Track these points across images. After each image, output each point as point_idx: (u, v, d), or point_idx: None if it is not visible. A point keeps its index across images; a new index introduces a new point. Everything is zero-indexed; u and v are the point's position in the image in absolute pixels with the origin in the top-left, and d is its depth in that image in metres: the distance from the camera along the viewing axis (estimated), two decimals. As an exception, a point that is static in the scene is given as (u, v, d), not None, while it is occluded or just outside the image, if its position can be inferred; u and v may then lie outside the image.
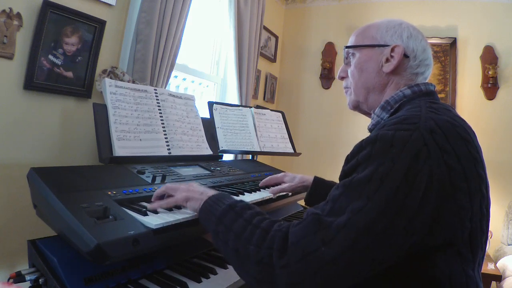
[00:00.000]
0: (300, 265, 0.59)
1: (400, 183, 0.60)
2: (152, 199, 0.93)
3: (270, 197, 1.27)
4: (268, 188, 1.36)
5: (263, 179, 1.42)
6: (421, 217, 0.60)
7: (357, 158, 0.67)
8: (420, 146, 0.62)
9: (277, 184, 1.37)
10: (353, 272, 0.59)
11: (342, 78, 0.96)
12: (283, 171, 1.76)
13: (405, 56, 0.84)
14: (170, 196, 0.91)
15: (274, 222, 0.69)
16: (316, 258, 0.58)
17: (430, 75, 0.89)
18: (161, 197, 0.93)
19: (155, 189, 1.02)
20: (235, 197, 0.83)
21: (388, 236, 0.59)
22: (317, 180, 1.27)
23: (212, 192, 0.85)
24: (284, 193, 1.35)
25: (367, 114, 0.94)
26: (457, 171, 0.63)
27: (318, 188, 1.25)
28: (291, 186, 1.31)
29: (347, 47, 0.92)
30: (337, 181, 1.26)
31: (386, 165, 0.62)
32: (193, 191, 0.87)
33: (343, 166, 0.71)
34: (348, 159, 0.71)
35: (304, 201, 1.29)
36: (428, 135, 0.63)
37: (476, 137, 0.72)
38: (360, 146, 0.68)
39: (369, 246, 0.58)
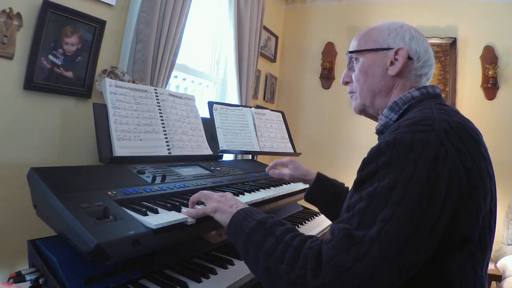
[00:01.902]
0: (336, 283, 0.57)
1: (423, 186, 0.60)
2: (189, 205, 0.94)
3: (270, 197, 1.27)
4: (270, 186, 1.39)
5: (263, 179, 1.43)
6: (443, 218, 0.61)
7: (377, 163, 0.66)
8: (438, 147, 0.62)
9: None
10: (386, 282, 0.58)
11: (346, 83, 0.96)
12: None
13: (409, 58, 0.84)
14: (202, 203, 0.93)
15: (306, 239, 0.67)
16: (352, 275, 0.57)
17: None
18: (197, 202, 0.95)
19: (155, 189, 1.03)
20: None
21: (416, 240, 0.59)
22: (320, 177, 1.26)
23: (242, 205, 0.84)
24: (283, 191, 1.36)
25: (374, 118, 0.94)
26: (473, 171, 0.64)
27: (320, 185, 1.25)
28: (291, 175, 1.31)
29: (350, 51, 0.92)
30: (338, 179, 1.27)
31: (408, 169, 0.61)
32: (223, 203, 0.85)
33: (359, 170, 0.70)
34: (365, 163, 0.69)
35: (304, 196, 1.28)
36: (444, 136, 0.64)
37: (482, 137, 0.72)
38: (378, 150, 0.67)
39: (399, 254, 0.58)
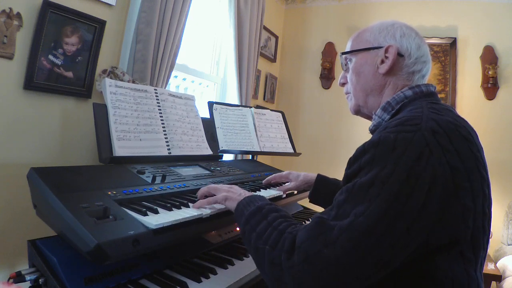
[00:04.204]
0: (303, 266, 0.60)
1: (401, 185, 0.60)
2: (198, 198, 1.00)
3: (270, 197, 1.27)
4: (271, 185, 1.41)
5: (263, 179, 1.43)
6: (425, 217, 0.61)
7: (360, 162, 0.67)
8: (422, 147, 0.62)
9: (281, 183, 1.43)
10: (355, 274, 0.59)
11: (342, 84, 0.98)
12: (282, 171, 1.77)
13: (400, 55, 0.84)
14: (212, 195, 0.97)
15: (290, 224, 0.71)
16: (318, 260, 0.59)
17: (431, 74, 0.89)
18: (205, 196, 0.99)
19: (155, 189, 1.03)
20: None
21: (390, 237, 0.59)
22: (320, 178, 1.30)
23: (248, 193, 0.91)
24: (290, 191, 1.39)
25: (369, 118, 0.94)
26: (460, 171, 0.63)
27: (321, 186, 1.28)
28: (295, 185, 1.35)
29: (343, 53, 0.94)
30: (339, 178, 1.28)
31: (388, 168, 0.62)
32: (232, 192, 0.93)
33: (346, 170, 0.72)
34: (351, 162, 0.71)
35: (309, 198, 1.32)
36: (430, 135, 0.63)
37: (477, 136, 0.72)
38: (363, 150, 0.68)
39: (371, 248, 0.59)
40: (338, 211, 0.64)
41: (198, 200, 0.99)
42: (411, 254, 0.63)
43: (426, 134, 0.64)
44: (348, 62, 0.93)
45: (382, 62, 0.85)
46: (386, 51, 0.85)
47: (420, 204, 0.60)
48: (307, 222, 1.52)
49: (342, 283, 0.59)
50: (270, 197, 1.27)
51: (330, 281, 0.59)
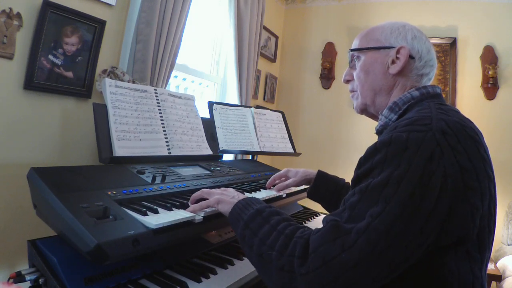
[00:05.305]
0: (320, 272, 0.59)
1: (416, 185, 0.60)
2: (189, 202, 0.96)
3: (270, 197, 1.27)
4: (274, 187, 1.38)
5: (263, 179, 1.43)
6: (436, 217, 0.61)
7: (372, 162, 0.67)
8: (433, 146, 0.63)
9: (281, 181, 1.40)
10: (372, 276, 0.59)
11: (347, 81, 0.97)
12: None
13: (411, 57, 0.84)
14: (205, 199, 0.94)
15: (297, 228, 0.69)
16: (336, 265, 0.58)
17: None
18: (198, 200, 0.96)
19: (155, 189, 1.03)
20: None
21: (405, 238, 0.59)
22: (321, 174, 1.28)
23: (243, 196, 0.88)
24: (290, 191, 1.37)
25: (374, 117, 0.94)
26: (469, 171, 0.64)
27: (321, 183, 1.26)
28: (295, 181, 1.33)
29: (352, 50, 0.92)
30: (339, 177, 1.27)
31: (401, 167, 0.62)
32: (225, 195, 0.90)
33: (356, 169, 0.71)
34: (362, 162, 0.70)
35: (307, 194, 1.30)
36: (441, 135, 0.64)
37: (483, 137, 0.73)
38: (374, 149, 0.68)
39: (388, 249, 0.58)
40: (352, 212, 0.63)
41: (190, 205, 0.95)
42: (420, 254, 0.63)
43: (436, 134, 0.64)
44: (355, 60, 0.92)
45: (393, 62, 0.85)
46: (398, 52, 0.84)
47: (433, 204, 0.60)
48: (307, 223, 1.54)
49: (358, 286, 0.59)
50: (271, 197, 1.27)
51: (347, 285, 0.58)
